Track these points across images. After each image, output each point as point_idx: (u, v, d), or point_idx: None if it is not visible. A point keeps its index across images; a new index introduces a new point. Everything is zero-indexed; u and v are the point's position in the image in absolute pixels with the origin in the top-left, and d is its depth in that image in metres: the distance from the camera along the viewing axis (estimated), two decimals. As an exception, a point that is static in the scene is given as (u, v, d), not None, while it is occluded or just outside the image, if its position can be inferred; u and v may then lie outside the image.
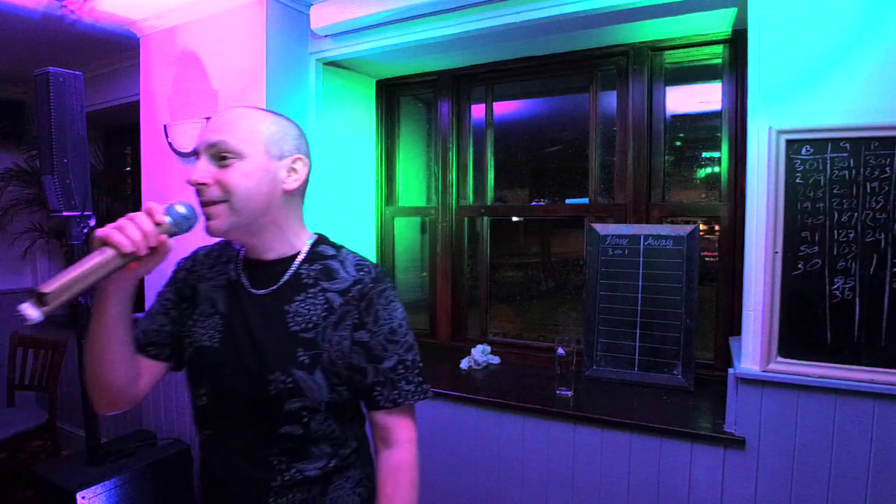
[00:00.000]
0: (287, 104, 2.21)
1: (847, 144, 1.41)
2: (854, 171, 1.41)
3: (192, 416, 0.97)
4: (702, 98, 2.12)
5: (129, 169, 3.73)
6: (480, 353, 2.26)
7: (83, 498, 1.95)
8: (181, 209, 0.81)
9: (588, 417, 1.73)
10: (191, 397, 0.96)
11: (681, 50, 2.01)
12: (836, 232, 1.43)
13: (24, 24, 2.45)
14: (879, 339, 1.39)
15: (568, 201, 2.43)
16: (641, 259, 1.98)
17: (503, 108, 2.64)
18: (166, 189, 2.44)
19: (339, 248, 0.99)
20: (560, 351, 1.90)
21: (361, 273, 0.94)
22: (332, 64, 2.36)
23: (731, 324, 1.93)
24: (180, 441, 2.41)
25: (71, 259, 2.07)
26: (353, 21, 2.09)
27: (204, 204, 0.86)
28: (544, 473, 1.81)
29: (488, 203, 2.48)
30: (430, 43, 2.08)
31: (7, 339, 3.13)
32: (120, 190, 3.55)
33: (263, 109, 0.95)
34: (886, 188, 1.37)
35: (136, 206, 3.20)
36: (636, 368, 1.98)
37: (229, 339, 0.90)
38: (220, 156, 0.85)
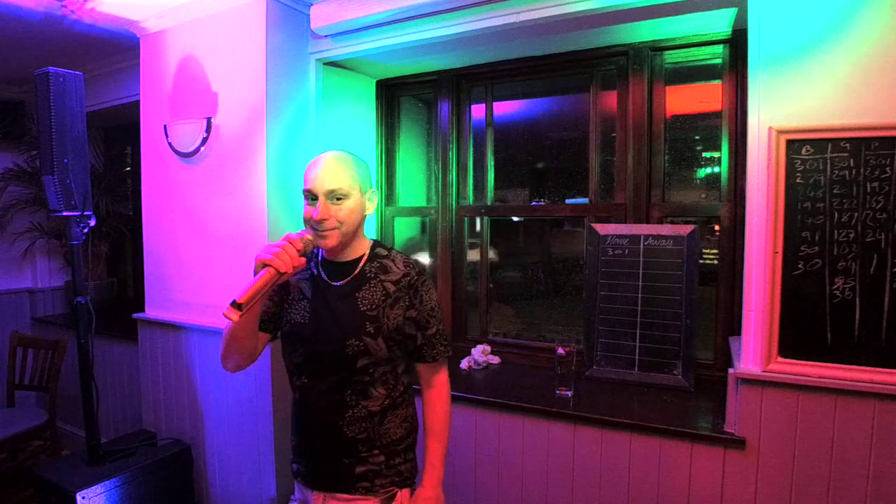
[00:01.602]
0: (287, 104, 2.21)
1: (847, 144, 1.41)
2: (854, 171, 1.41)
3: (288, 370, 1.33)
4: (702, 98, 2.12)
5: (129, 169, 3.73)
6: (480, 353, 2.26)
7: (83, 498, 1.95)
8: (309, 237, 1.16)
9: (588, 417, 1.73)
10: (287, 357, 1.31)
11: (681, 50, 2.01)
12: (836, 232, 1.43)
13: (24, 24, 2.45)
14: (879, 339, 1.39)
15: (568, 201, 2.43)
16: (641, 259, 1.98)
17: (503, 108, 2.64)
18: (166, 189, 2.44)
19: (389, 249, 1.35)
20: (560, 351, 1.90)
21: (408, 268, 1.29)
22: (332, 64, 2.36)
23: (731, 324, 1.92)
24: (180, 441, 2.41)
25: (71, 259, 2.07)
26: (353, 21, 2.09)
27: (322, 230, 1.19)
28: (544, 473, 1.81)
29: (488, 203, 2.48)
30: (430, 43, 2.08)
31: (7, 339, 3.13)
32: (120, 190, 3.55)
33: (349, 153, 1.29)
34: (886, 188, 1.37)
35: (137, 206, 3.20)
36: (636, 368, 1.98)
37: (315, 316, 1.26)
38: (337, 198, 1.19)
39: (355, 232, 1.26)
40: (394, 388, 1.30)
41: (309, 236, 1.16)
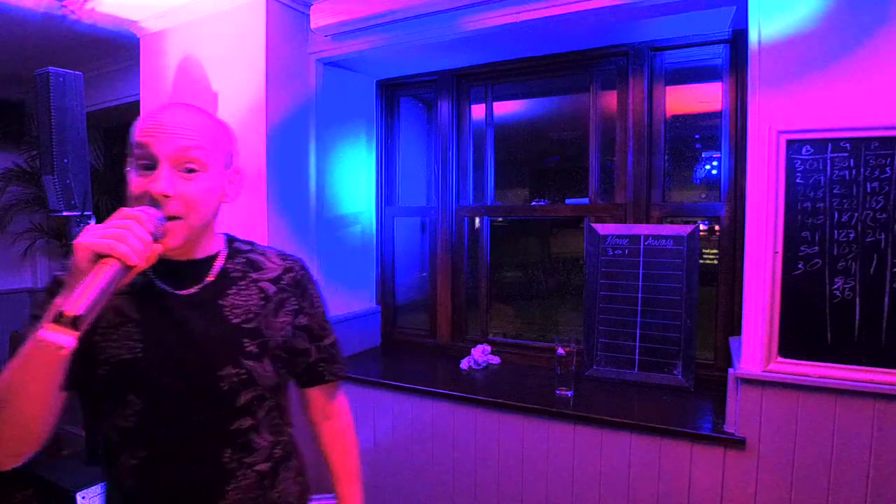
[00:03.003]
0: (287, 104, 2.21)
1: (847, 144, 1.41)
2: (854, 171, 1.40)
3: (108, 445, 0.86)
4: (702, 98, 2.12)
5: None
6: (480, 353, 2.26)
7: (83, 498, 1.95)
8: (155, 214, 0.75)
9: (588, 417, 1.73)
10: (109, 422, 0.84)
11: (681, 50, 2.01)
12: (836, 232, 1.43)
13: (24, 24, 2.45)
14: (879, 339, 1.39)
15: (568, 201, 2.43)
16: (641, 259, 1.98)
17: (503, 108, 2.64)
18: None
19: (251, 242, 1.01)
20: (560, 351, 1.90)
21: (288, 262, 0.99)
22: (332, 64, 2.36)
23: (731, 324, 1.92)
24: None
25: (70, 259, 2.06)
26: (353, 21, 2.09)
27: (165, 214, 0.79)
28: (544, 473, 1.81)
29: (488, 203, 2.48)
30: (430, 43, 2.08)
31: (7, 339, 3.13)
32: (120, 190, 3.55)
33: (208, 112, 0.90)
34: (886, 188, 1.37)
35: (136, 206, 3.19)
36: (636, 368, 1.98)
37: (155, 346, 0.83)
38: (188, 166, 0.80)
39: (208, 223, 0.88)
40: (281, 430, 0.94)
41: (156, 214, 0.75)
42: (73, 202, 1.98)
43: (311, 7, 2.20)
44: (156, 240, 0.73)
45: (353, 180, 2.55)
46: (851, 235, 1.41)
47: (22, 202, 3.40)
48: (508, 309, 3.30)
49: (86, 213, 2.04)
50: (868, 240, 1.40)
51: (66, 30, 2.53)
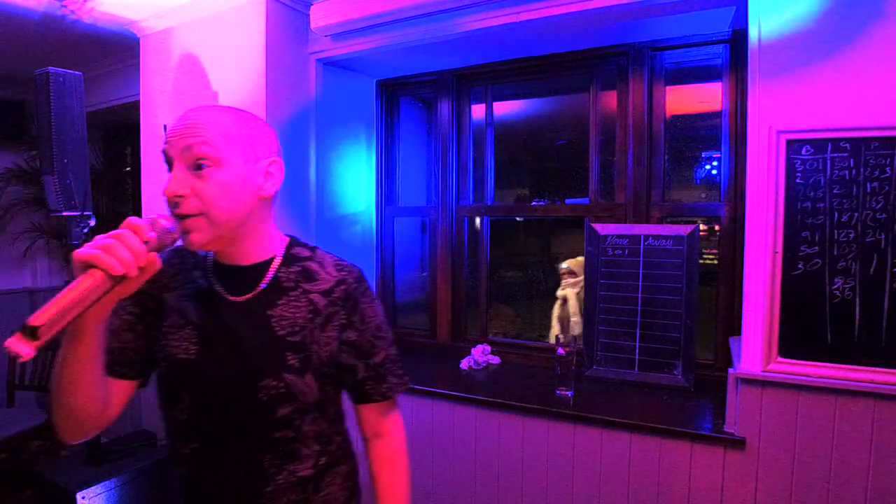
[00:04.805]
0: (287, 104, 2.21)
1: (847, 144, 1.41)
2: (854, 171, 1.41)
3: (168, 432, 0.92)
4: (702, 98, 2.13)
5: (129, 169, 3.73)
6: (480, 353, 2.26)
7: (83, 498, 1.95)
8: (164, 223, 0.75)
9: (588, 417, 1.73)
10: (166, 413, 0.91)
11: (681, 50, 2.01)
12: (836, 232, 1.43)
13: (24, 24, 2.45)
14: (879, 339, 1.39)
15: (568, 201, 2.44)
16: (641, 259, 1.98)
17: (503, 108, 2.65)
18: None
19: (313, 248, 0.99)
20: (560, 351, 1.90)
21: (343, 273, 0.95)
22: (332, 64, 2.36)
23: (731, 324, 1.93)
24: (180, 441, 2.40)
25: (70, 259, 2.06)
26: (353, 21, 2.09)
27: (180, 217, 0.80)
28: (544, 473, 1.81)
29: (488, 203, 2.48)
30: (430, 43, 2.08)
31: (7, 338, 3.13)
32: (120, 190, 3.55)
33: (231, 108, 0.88)
34: (886, 188, 1.37)
35: (137, 206, 3.19)
36: (636, 368, 1.98)
37: (208, 349, 0.87)
38: (197, 164, 0.80)
39: (241, 220, 0.85)
40: (329, 440, 0.94)
41: (165, 222, 0.75)
42: (72, 202, 1.98)
43: (311, 7, 2.20)
44: (160, 248, 0.73)
45: (353, 180, 2.55)
46: (851, 235, 1.41)
47: (22, 202, 3.40)
48: (508, 309, 3.29)
49: (86, 213, 2.04)
50: (868, 240, 1.40)
51: (66, 30, 2.53)
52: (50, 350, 2.94)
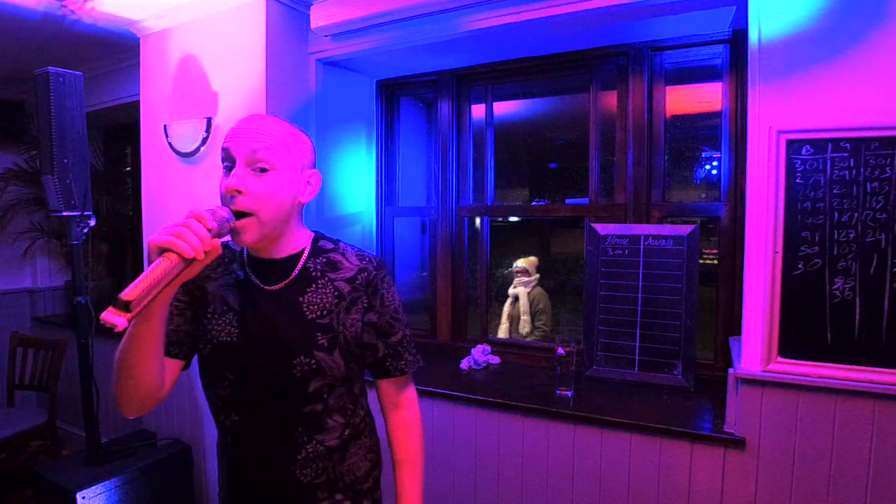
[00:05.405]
0: (287, 104, 2.21)
1: (847, 144, 1.41)
2: (854, 171, 1.41)
3: (212, 406, 1.05)
4: (702, 98, 2.13)
5: (129, 169, 3.73)
6: (480, 353, 2.26)
7: (83, 498, 1.95)
8: (223, 213, 0.87)
9: (588, 417, 1.73)
10: (211, 390, 1.03)
11: (681, 50, 2.01)
12: (836, 232, 1.43)
13: (24, 24, 2.45)
14: (879, 339, 1.39)
15: (568, 201, 2.44)
16: (641, 259, 1.98)
17: (503, 108, 2.65)
18: (166, 189, 2.44)
19: (336, 241, 1.11)
20: (560, 351, 1.90)
21: (364, 262, 1.07)
22: (332, 64, 2.36)
23: (731, 324, 1.93)
24: (180, 441, 2.41)
25: (71, 259, 2.07)
26: (353, 21, 2.09)
27: (235, 209, 0.91)
28: (544, 473, 1.81)
29: (488, 203, 2.48)
30: (430, 43, 2.08)
31: (7, 339, 3.13)
32: (120, 190, 3.55)
33: (285, 122, 1.00)
34: (886, 188, 1.37)
35: (137, 206, 3.20)
36: (636, 368, 1.98)
37: (247, 333, 0.99)
38: (260, 167, 0.92)
39: (285, 221, 0.99)
40: (353, 413, 1.07)
41: (223, 213, 0.87)
42: (72, 202, 1.98)
43: (311, 7, 2.20)
44: (219, 236, 0.84)
45: (353, 180, 2.55)
46: (851, 235, 1.41)
47: (22, 202, 3.40)
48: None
49: (86, 212, 2.04)
50: (868, 240, 1.40)
51: (66, 30, 2.53)
52: (49, 350, 2.94)
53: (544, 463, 1.81)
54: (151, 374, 0.91)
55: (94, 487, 1.98)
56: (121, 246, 3.73)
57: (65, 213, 1.99)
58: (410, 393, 1.16)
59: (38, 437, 2.85)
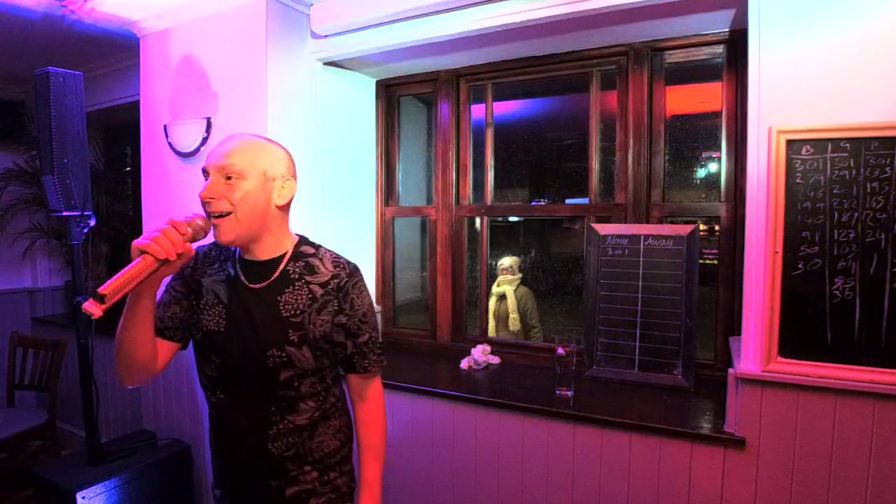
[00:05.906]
0: (287, 104, 2.21)
1: (847, 144, 1.41)
2: (854, 171, 1.40)
3: (202, 384, 1.20)
4: (702, 98, 2.12)
5: (129, 169, 3.73)
6: (480, 353, 2.26)
7: (83, 498, 1.95)
8: (199, 221, 1.01)
9: (588, 417, 1.73)
10: (201, 370, 1.19)
11: (681, 50, 2.01)
12: (836, 232, 1.43)
13: (24, 24, 2.45)
14: (880, 339, 1.39)
15: (568, 201, 2.44)
16: (641, 259, 1.98)
17: (503, 108, 2.64)
18: (166, 189, 2.44)
19: (317, 247, 1.23)
20: (560, 351, 1.90)
21: (338, 269, 1.18)
22: (332, 64, 2.36)
23: (731, 324, 1.93)
24: (180, 441, 2.41)
25: (71, 259, 2.07)
26: (354, 21, 2.09)
27: (213, 216, 1.05)
28: (544, 473, 1.81)
29: (488, 203, 2.48)
30: (430, 43, 2.08)
31: (7, 339, 3.13)
32: (120, 190, 3.55)
33: (262, 137, 1.16)
34: (886, 188, 1.37)
35: (137, 206, 3.20)
36: (636, 368, 1.98)
37: (232, 324, 1.14)
38: (227, 176, 1.06)
39: (260, 223, 1.11)
40: (324, 399, 1.20)
41: (200, 221, 1.02)
42: (72, 202, 1.98)
43: (311, 7, 2.20)
44: (194, 239, 1.00)
45: (354, 180, 2.55)
46: (851, 235, 1.41)
47: (22, 202, 3.39)
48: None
49: (85, 213, 2.04)
50: (868, 240, 1.40)
51: (66, 30, 2.53)
52: (49, 350, 2.94)
53: (544, 463, 1.81)
54: (145, 350, 1.07)
55: (94, 487, 1.98)
56: (121, 246, 3.73)
57: (65, 213, 1.99)
58: (376, 387, 1.27)
59: (38, 437, 2.85)
